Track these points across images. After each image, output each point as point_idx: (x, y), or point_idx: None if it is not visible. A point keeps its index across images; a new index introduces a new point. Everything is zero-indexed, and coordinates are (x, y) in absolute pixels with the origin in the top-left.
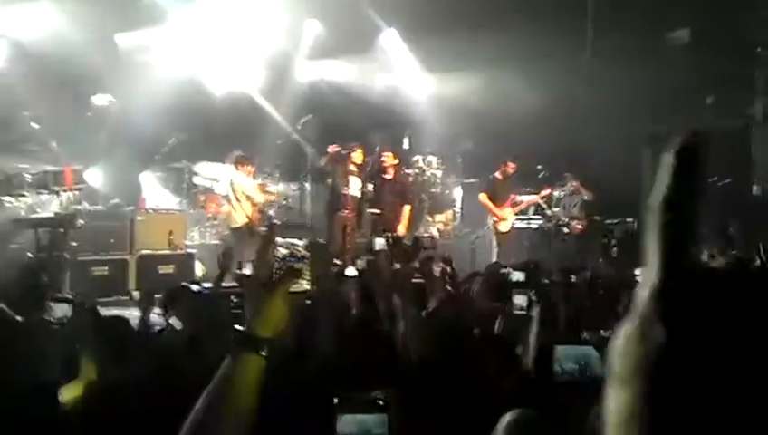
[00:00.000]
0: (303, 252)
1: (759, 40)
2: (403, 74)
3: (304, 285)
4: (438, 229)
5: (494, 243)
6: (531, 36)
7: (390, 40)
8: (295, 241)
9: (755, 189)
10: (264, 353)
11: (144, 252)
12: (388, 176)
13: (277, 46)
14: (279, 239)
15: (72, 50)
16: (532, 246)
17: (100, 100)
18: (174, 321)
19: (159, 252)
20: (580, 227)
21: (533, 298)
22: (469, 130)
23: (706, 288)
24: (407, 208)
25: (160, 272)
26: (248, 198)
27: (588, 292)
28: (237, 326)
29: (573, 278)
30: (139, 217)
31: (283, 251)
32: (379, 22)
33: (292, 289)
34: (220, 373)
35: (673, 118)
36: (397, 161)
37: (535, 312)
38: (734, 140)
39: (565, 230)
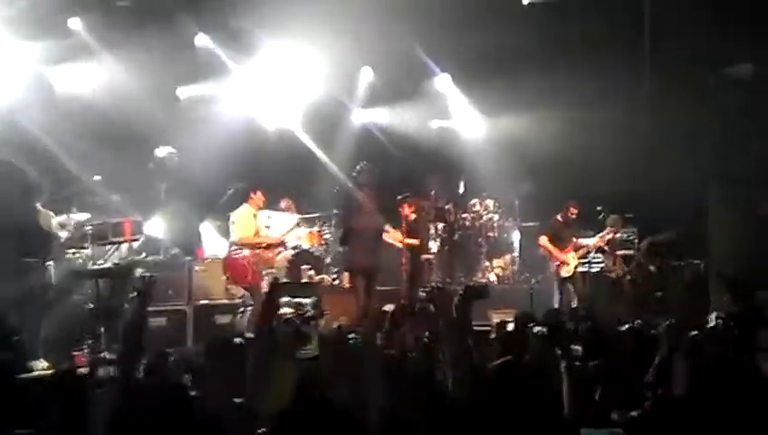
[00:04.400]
0: (312, 312)
1: None
2: (457, 118)
3: (312, 351)
4: (497, 274)
5: (556, 288)
6: (587, 76)
7: (444, 85)
8: (303, 300)
9: None
10: (261, 432)
11: (201, 302)
12: None
13: (332, 94)
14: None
15: (133, 103)
16: (593, 292)
17: (161, 152)
18: None
19: (216, 301)
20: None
21: (560, 356)
22: (526, 172)
23: None
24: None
25: (217, 322)
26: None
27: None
28: (236, 399)
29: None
30: (197, 268)
31: (287, 310)
32: (433, 67)
33: (299, 355)
34: None
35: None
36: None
37: (565, 378)
38: None
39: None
